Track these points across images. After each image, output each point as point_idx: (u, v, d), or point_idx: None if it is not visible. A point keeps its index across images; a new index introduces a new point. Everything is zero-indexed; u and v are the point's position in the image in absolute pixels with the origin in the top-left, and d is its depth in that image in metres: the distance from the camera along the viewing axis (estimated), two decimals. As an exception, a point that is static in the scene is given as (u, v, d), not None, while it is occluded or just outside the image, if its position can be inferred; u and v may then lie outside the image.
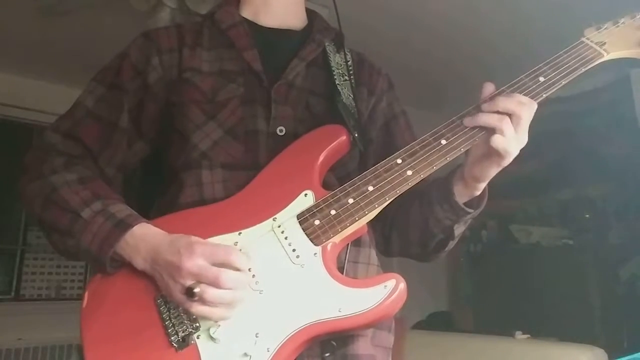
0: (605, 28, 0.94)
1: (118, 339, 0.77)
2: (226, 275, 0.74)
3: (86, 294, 0.83)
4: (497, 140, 0.80)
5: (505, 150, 0.81)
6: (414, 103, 1.08)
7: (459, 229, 0.93)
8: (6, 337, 3.30)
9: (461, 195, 0.89)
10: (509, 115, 0.81)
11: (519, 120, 0.81)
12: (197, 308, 0.74)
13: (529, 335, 2.60)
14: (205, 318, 0.76)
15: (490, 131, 0.82)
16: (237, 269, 0.76)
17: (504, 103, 0.82)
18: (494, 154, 0.82)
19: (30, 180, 0.89)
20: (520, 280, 3.64)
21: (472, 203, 0.90)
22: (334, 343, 0.82)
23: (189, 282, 0.74)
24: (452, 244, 0.96)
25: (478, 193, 0.89)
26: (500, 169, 0.85)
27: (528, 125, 0.83)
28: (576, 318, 3.26)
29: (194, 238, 0.78)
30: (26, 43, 3.19)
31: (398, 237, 1.00)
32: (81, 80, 1.02)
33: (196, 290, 0.73)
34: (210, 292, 0.74)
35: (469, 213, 0.89)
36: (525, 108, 0.82)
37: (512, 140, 0.81)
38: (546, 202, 3.92)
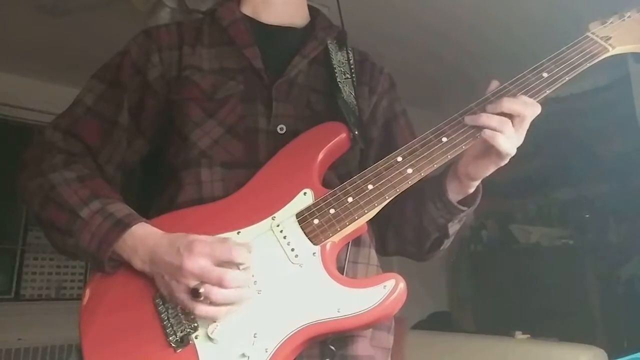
0: (611, 22, 0.92)
1: (116, 339, 0.77)
2: (231, 275, 0.74)
3: (86, 293, 0.83)
4: (499, 140, 0.79)
5: (507, 151, 0.80)
6: (414, 102, 1.08)
7: (453, 228, 0.92)
8: (6, 337, 3.29)
9: (455, 193, 0.88)
10: (513, 116, 0.80)
11: (522, 121, 0.81)
12: (201, 308, 0.74)
13: (529, 335, 2.60)
14: (209, 318, 0.75)
15: (492, 131, 0.81)
16: (240, 265, 0.76)
17: (508, 104, 0.81)
18: (493, 154, 0.81)
19: (30, 178, 0.88)
20: (520, 280, 3.63)
21: (467, 201, 0.89)
22: (333, 348, 0.82)
23: (192, 283, 0.74)
24: (447, 243, 0.95)
25: (471, 191, 0.89)
26: (496, 168, 0.84)
27: (528, 126, 0.82)
28: (576, 318, 3.25)
29: (193, 236, 0.77)
30: (26, 43, 3.18)
31: (394, 236, 1.00)
32: (81, 80, 1.02)
33: (201, 290, 0.72)
34: (216, 292, 0.73)
35: (463, 211, 0.89)
36: (529, 109, 0.81)
37: (513, 141, 0.81)
38: (546, 202, 3.92)
